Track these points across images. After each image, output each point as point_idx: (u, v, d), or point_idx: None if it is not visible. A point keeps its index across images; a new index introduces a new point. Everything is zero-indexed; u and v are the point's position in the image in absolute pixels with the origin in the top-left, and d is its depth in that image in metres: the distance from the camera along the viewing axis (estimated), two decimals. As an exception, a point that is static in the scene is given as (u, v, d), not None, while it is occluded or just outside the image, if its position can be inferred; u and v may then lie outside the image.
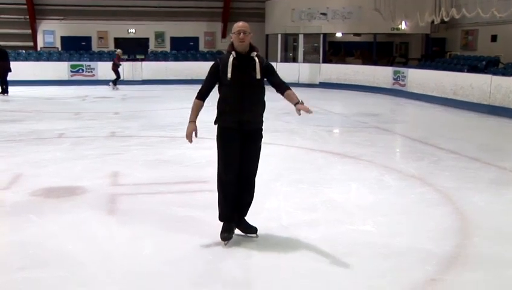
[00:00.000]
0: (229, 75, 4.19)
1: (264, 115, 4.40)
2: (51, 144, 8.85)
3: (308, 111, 4.16)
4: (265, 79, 4.31)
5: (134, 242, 4.48)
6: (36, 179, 6.46)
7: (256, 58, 4.27)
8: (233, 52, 4.25)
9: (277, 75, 4.39)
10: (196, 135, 4.37)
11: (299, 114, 4.21)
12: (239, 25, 4.27)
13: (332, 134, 10.91)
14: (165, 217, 5.08)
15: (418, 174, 6.88)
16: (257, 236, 4.51)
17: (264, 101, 4.39)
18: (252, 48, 4.29)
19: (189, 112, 4.38)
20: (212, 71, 4.35)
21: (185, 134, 4.37)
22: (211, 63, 4.45)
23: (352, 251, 4.26)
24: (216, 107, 4.35)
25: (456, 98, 14.86)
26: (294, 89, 4.37)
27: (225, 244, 4.33)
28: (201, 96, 4.39)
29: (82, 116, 12.24)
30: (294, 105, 4.20)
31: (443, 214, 5.30)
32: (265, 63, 4.31)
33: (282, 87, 4.34)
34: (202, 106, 4.40)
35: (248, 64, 4.24)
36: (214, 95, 4.37)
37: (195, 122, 4.36)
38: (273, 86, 4.38)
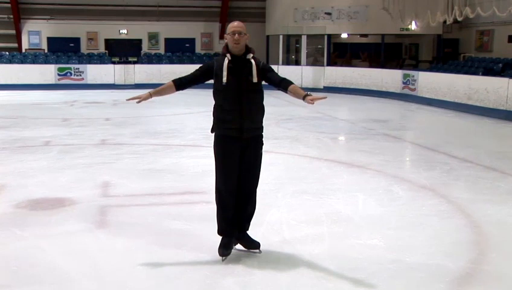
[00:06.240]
0: (224, 79, 4.19)
1: (264, 121, 4.42)
2: (37, 152, 8.87)
3: (321, 98, 4.16)
4: (264, 82, 4.32)
5: (128, 257, 4.48)
6: (21, 190, 6.47)
7: (252, 61, 4.27)
8: (228, 55, 4.25)
9: (275, 72, 4.38)
10: (138, 102, 4.38)
11: (313, 104, 4.14)
12: (234, 25, 4.26)
13: (338, 141, 10.94)
14: (159, 231, 5.10)
15: (429, 184, 6.90)
16: (260, 252, 4.51)
17: (263, 106, 4.40)
18: (248, 50, 4.29)
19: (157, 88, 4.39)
20: (205, 68, 4.36)
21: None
22: None
23: (359, 267, 4.26)
24: (212, 114, 4.36)
25: (470, 103, 14.91)
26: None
27: (223, 260, 4.34)
28: (180, 83, 4.41)
29: (70, 123, 12.27)
30: (303, 98, 4.15)
31: (457, 228, 5.31)
32: (261, 65, 4.31)
33: (284, 83, 4.30)
34: (172, 92, 4.44)
35: (244, 67, 4.25)
36: (210, 101, 4.38)
37: (151, 96, 4.39)
38: (275, 85, 4.34)
